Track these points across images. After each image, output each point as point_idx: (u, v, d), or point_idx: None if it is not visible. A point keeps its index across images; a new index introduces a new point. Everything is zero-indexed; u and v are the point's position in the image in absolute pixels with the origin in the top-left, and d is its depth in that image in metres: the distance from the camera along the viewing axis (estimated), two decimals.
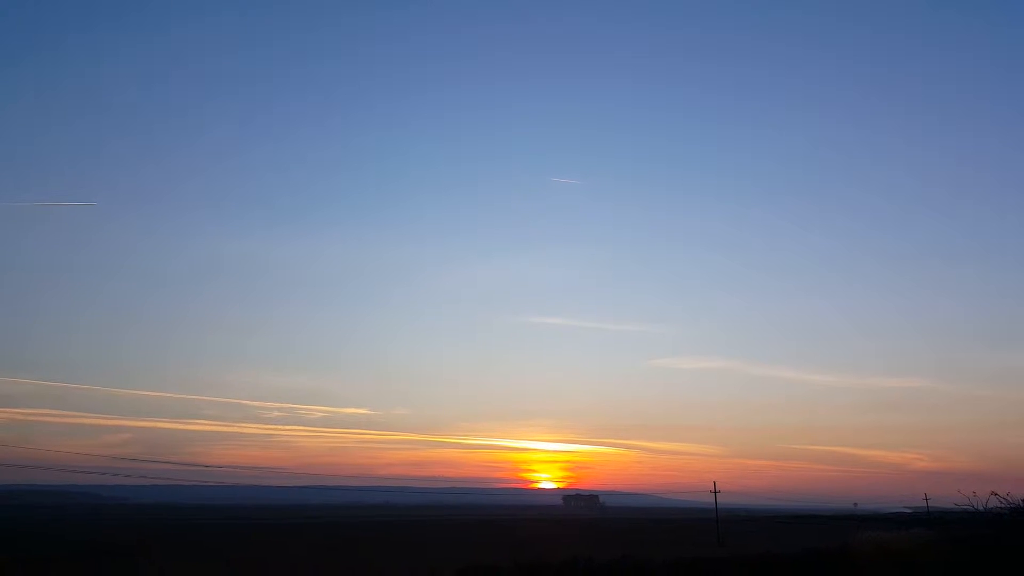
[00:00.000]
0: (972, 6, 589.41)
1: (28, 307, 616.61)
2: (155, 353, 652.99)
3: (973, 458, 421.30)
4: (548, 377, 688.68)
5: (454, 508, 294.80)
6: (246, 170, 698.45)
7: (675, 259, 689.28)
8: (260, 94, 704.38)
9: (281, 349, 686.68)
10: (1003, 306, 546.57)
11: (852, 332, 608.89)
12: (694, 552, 46.11)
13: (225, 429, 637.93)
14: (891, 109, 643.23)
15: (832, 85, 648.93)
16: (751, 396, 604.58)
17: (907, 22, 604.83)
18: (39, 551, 59.02)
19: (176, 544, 72.72)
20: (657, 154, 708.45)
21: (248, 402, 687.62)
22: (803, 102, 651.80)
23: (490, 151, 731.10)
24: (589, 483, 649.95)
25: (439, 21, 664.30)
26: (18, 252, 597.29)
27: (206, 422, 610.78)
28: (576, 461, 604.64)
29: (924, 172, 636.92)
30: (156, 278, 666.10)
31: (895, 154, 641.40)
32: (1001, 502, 36.35)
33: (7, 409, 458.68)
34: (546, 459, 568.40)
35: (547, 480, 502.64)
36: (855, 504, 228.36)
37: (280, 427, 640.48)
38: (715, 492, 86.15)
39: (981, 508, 36.99)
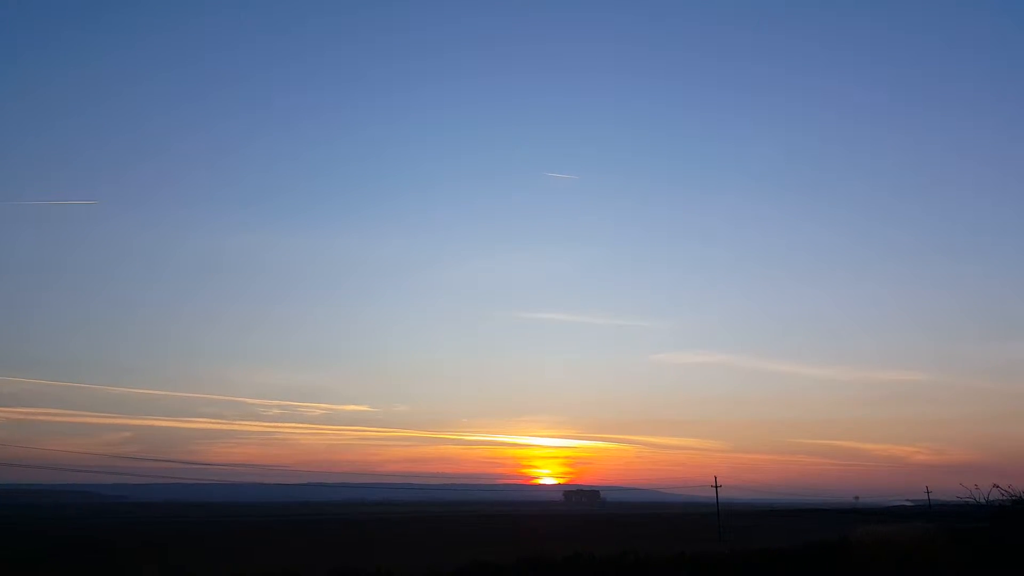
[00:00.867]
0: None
1: (26, 306, 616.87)
2: (154, 351, 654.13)
3: (974, 450, 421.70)
4: (548, 373, 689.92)
5: (455, 505, 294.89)
6: (244, 168, 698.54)
7: (674, 253, 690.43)
8: (253, 92, 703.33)
9: (280, 346, 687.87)
10: (1003, 299, 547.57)
11: (852, 326, 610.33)
12: (695, 547, 46.01)
13: (225, 427, 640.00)
14: (889, 102, 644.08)
15: (830, 78, 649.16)
16: (751, 390, 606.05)
17: (906, 14, 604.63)
18: (39, 551, 58.94)
19: (176, 543, 72.62)
20: (656, 149, 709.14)
21: (248, 400, 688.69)
22: (801, 96, 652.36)
23: (489, 146, 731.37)
24: (590, 479, 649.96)
25: (437, 16, 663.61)
26: (15, 251, 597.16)
27: (205, 420, 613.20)
28: (577, 457, 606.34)
29: (923, 165, 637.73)
30: (154, 276, 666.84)
31: (894, 147, 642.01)
32: (1003, 494, 36.31)
33: (6, 408, 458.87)
34: (547, 455, 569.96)
35: (548, 476, 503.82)
36: (856, 498, 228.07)
37: (280, 424, 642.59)
38: (716, 487, 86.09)
39: (983, 501, 36.91)
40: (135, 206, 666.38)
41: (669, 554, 39.27)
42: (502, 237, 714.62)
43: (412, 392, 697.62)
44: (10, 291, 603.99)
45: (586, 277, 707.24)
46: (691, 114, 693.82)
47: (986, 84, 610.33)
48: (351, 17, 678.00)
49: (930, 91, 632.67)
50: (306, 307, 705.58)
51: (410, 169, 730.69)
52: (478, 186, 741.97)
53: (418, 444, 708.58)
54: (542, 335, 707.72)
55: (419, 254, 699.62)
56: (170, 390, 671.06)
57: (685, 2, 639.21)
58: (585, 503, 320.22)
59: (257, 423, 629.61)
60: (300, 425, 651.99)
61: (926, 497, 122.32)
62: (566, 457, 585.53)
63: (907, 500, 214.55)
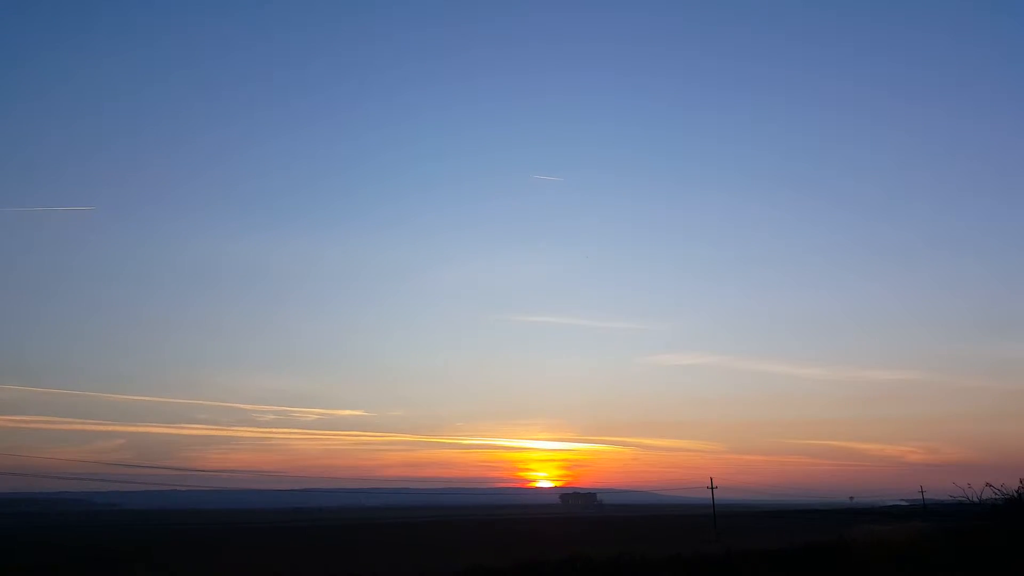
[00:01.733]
0: None
1: (18, 312, 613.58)
2: (147, 357, 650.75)
3: (968, 450, 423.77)
4: (543, 376, 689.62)
5: (452, 509, 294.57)
6: (239, 175, 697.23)
7: (668, 255, 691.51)
8: (248, 100, 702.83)
9: (274, 351, 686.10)
10: (997, 297, 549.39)
11: (845, 325, 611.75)
12: (692, 548, 46.15)
13: (219, 433, 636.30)
14: (884, 100, 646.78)
15: (823, 75, 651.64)
16: (745, 391, 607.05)
17: (903, 12, 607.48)
18: (33, 560, 58.67)
19: (171, 550, 72.41)
20: (645, 149, 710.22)
21: (242, 405, 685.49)
22: (794, 93, 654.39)
23: (481, 150, 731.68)
24: (586, 481, 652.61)
25: (432, 18, 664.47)
26: (8, 257, 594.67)
27: (200, 426, 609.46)
28: (573, 459, 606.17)
29: (917, 163, 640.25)
30: (148, 282, 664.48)
31: (888, 145, 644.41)
32: (996, 493, 36.57)
33: None
34: (543, 458, 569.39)
35: (544, 479, 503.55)
36: (851, 498, 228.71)
37: (275, 430, 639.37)
38: (712, 488, 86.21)
39: (976, 500, 37.16)
40: (129, 213, 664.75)
41: (666, 556, 39.43)
42: (496, 241, 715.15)
43: (408, 396, 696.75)
44: (2, 298, 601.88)
45: (579, 279, 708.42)
46: (685, 113, 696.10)
47: (982, 82, 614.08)
48: (343, 24, 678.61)
49: (925, 89, 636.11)
50: (300, 312, 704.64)
51: (404, 175, 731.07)
52: (471, 190, 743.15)
53: (414, 448, 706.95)
54: (537, 338, 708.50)
55: (413, 259, 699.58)
56: (164, 396, 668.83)
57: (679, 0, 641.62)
58: (582, 506, 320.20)
59: (252, 429, 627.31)
60: (295, 430, 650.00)
61: (921, 496, 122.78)
62: (562, 460, 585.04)
63: (902, 500, 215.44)
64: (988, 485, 36.60)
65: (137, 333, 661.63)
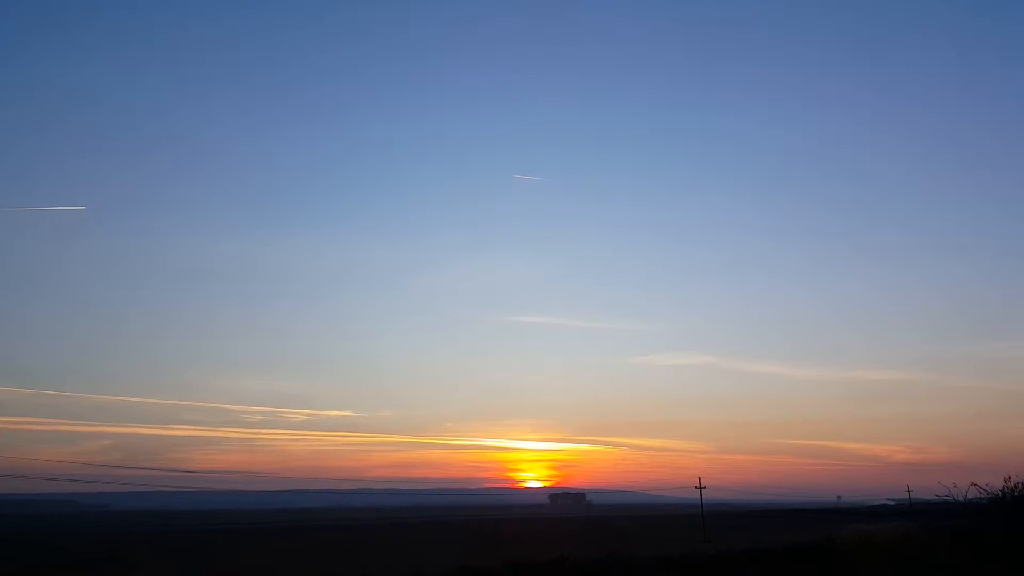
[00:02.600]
0: None
1: (4, 312, 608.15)
2: (135, 358, 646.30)
3: (954, 449, 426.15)
4: (532, 376, 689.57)
5: (440, 509, 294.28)
6: (228, 174, 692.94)
7: (655, 255, 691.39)
8: (236, 100, 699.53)
9: (262, 352, 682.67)
10: (984, 298, 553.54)
11: (833, 325, 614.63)
12: (681, 548, 46.39)
13: (207, 434, 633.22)
14: (872, 101, 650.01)
15: (812, 77, 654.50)
16: (733, 391, 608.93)
17: (889, 13, 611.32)
18: (20, 561, 58.28)
19: (159, 551, 72.05)
20: (635, 150, 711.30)
21: (230, 406, 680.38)
22: (783, 94, 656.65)
23: (467, 150, 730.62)
24: (575, 481, 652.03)
25: (422, 19, 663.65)
26: None
27: (187, 427, 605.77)
28: (562, 459, 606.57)
29: (906, 164, 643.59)
30: (136, 283, 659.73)
31: (876, 146, 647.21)
32: (981, 492, 36.86)
33: None
34: (532, 458, 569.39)
35: (533, 479, 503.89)
36: (839, 497, 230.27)
37: (263, 431, 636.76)
38: (700, 488, 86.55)
39: (962, 499, 37.46)
40: (118, 213, 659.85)
41: (654, 556, 39.61)
42: (485, 241, 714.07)
43: (396, 397, 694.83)
44: None
45: (567, 280, 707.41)
46: (672, 113, 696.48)
47: (970, 82, 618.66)
48: (333, 23, 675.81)
49: (913, 88, 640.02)
50: (289, 313, 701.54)
51: (394, 175, 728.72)
52: (460, 190, 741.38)
53: (403, 449, 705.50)
54: (525, 338, 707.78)
55: (402, 259, 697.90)
56: (151, 397, 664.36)
57: (662, 1, 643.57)
58: (571, 506, 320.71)
59: (240, 429, 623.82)
60: (283, 431, 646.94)
61: (907, 496, 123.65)
62: (551, 460, 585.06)
63: (889, 499, 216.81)
64: (973, 484, 36.90)
65: (125, 334, 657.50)
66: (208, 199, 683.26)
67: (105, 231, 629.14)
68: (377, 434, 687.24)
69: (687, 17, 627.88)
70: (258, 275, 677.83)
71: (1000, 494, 36.41)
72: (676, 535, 79.95)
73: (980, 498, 36.86)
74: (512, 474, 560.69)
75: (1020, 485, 36.18)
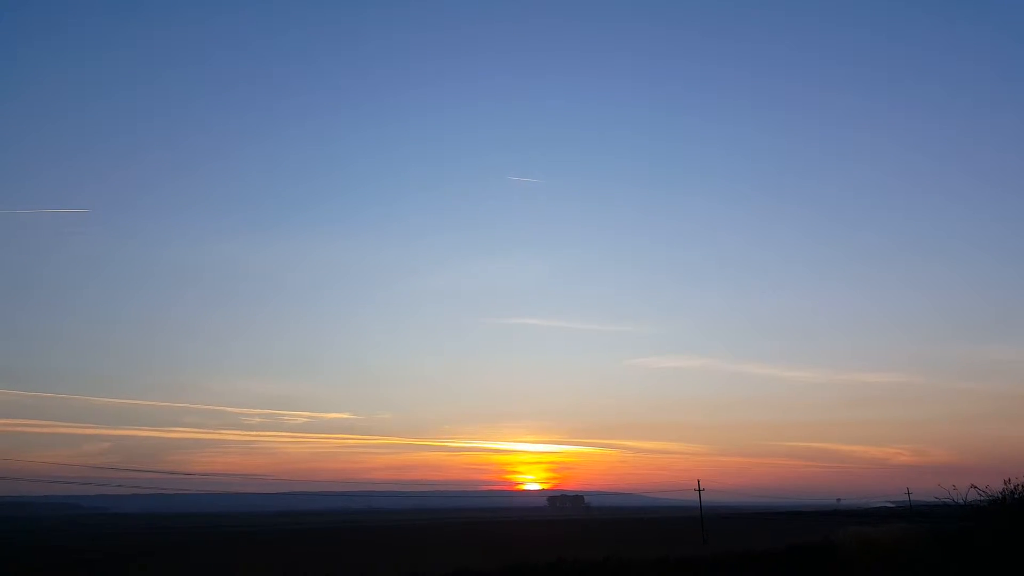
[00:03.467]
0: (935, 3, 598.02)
1: (4, 316, 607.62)
2: (134, 361, 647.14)
3: (954, 451, 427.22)
4: (530, 379, 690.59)
5: (439, 511, 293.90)
6: (225, 175, 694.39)
7: (651, 258, 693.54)
8: (229, 102, 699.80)
9: (262, 354, 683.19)
10: (982, 301, 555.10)
11: (831, 328, 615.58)
12: (679, 550, 46.23)
13: (206, 436, 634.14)
14: (864, 106, 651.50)
15: (804, 83, 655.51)
16: (732, 394, 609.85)
17: (873, 17, 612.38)
18: (20, 563, 58.09)
19: (158, 554, 71.84)
20: (631, 154, 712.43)
21: (229, 408, 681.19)
22: (775, 100, 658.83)
23: (464, 153, 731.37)
24: (574, 484, 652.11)
25: (416, 22, 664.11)
26: None
27: (187, 429, 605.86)
28: (560, 462, 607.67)
29: (899, 168, 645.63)
30: (134, 285, 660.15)
31: (870, 151, 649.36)
32: (980, 494, 36.71)
33: None
34: (530, 461, 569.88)
35: (532, 482, 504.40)
36: (838, 500, 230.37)
37: (262, 433, 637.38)
38: (699, 490, 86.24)
39: (961, 501, 37.31)
40: (114, 215, 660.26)
41: (653, 558, 39.43)
42: (483, 244, 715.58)
43: (395, 399, 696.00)
44: None
45: (566, 283, 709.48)
46: (666, 117, 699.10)
47: (958, 87, 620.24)
48: (327, 27, 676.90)
49: (902, 93, 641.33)
50: (287, 315, 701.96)
51: (390, 178, 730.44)
52: (457, 193, 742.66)
53: (402, 451, 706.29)
54: (524, 341, 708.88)
55: (400, 262, 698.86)
56: (150, 400, 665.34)
57: (654, 6, 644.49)
58: (569, 508, 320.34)
59: (239, 432, 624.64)
60: (282, 433, 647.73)
61: (907, 498, 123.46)
62: (550, 463, 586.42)
63: (888, 501, 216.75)
64: (973, 487, 36.74)
65: (124, 336, 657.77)
66: (208, 201, 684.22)
67: (104, 233, 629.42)
68: (376, 436, 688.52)
69: (682, 23, 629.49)
70: (258, 278, 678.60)
71: (1000, 496, 36.28)
72: (675, 537, 79.78)
73: (980, 500, 36.72)
74: (510, 477, 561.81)
75: (1020, 487, 36.02)
